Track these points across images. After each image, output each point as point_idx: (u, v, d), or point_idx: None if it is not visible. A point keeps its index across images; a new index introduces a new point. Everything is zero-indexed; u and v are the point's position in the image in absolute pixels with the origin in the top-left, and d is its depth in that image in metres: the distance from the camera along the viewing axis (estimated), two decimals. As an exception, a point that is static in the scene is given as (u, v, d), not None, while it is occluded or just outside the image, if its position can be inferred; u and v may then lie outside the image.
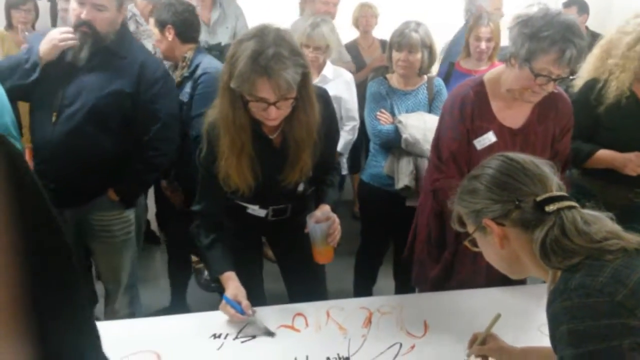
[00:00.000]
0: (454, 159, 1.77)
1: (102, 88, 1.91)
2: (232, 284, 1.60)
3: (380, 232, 2.66)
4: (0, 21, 3.49)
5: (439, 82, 2.57)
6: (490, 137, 1.72)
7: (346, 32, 3.74)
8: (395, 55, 2.43)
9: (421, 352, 1.47)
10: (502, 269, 1.11)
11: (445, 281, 1.86)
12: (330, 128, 1.68)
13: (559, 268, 0.96)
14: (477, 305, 1.63)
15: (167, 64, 2.37)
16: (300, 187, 1.72)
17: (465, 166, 1.75)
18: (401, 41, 2.40)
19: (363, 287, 2.76)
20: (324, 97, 1.66)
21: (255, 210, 1.74)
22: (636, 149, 1.99)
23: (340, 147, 2.56)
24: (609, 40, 2.10)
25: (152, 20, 2.37)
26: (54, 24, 3.67)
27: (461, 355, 1.42)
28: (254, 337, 1.52)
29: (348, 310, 1.64)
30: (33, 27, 3.53)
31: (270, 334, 1.53)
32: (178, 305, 2.80)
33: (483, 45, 2.82)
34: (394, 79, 2.52)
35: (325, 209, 1.67)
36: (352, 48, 3.76)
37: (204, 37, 2.99)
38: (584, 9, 4.01)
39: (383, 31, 3.64)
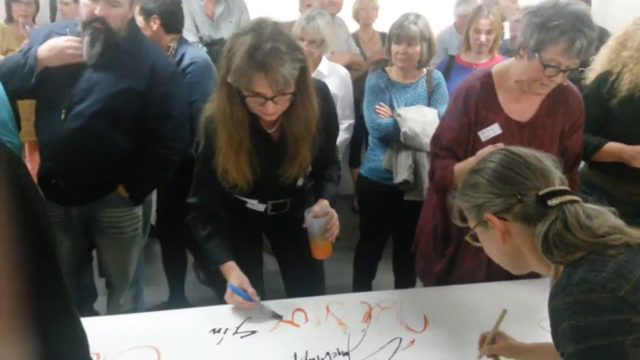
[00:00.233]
0: (451, 147, 1.76)
1: (113, 85, 1.88)
2: (235, 273, 1.61)
3: (379, 226, 2.65)
4: (1, 14, 3.47)
5: (438, 75, 2.55)
6: (495, 129, 1.71)
7: (347, 25, 3.72)
8: (394, 47, 2.42)
9: (421, 346, 1.46)
10: (504, 263, 1.11)
11: (449, 274, 1.86)
12: (329, 122, 1.67)
13: (561, 263, 0.95)
14: (477, 299, 1.63)
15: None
16: (300, 182, 1.71)
17: (463, 157, 1.74)
18: (400, 33, 2.39)
19: (362, 281, 2.76)
20: (323, 91, 1.65)
21: (254, 204, 1.73)
22: None
23: (336, 145, 2.54)
24: (624, 32, 2.08)
25: (137, 8, 2.37)
26: (53, 18, 3.64)
27: (461, 349, 1.42)
28: (253, 332, 1.52)
29: (348, 305, 1.63)
30: (33, 20, 3.52)
31: (277, 316, 1.56)
32: (177, 299, 2.80)
33: (483, 37, 2.80)
34: (393, 72, 2.50)
35: (323, 204, 1.67)
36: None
37: (207, 31, 2.97)
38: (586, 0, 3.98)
39: (383, 24, 3.61)
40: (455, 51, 3.24)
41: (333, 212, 1.64)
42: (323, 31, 2.54)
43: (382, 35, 3.75)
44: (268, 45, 1.35)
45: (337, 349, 1.45)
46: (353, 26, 3.87)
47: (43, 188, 2.00)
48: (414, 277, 2.70)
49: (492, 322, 1.32)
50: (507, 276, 1.39)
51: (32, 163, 3.35)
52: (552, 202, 0.97)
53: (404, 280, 2.71)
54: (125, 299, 2.26)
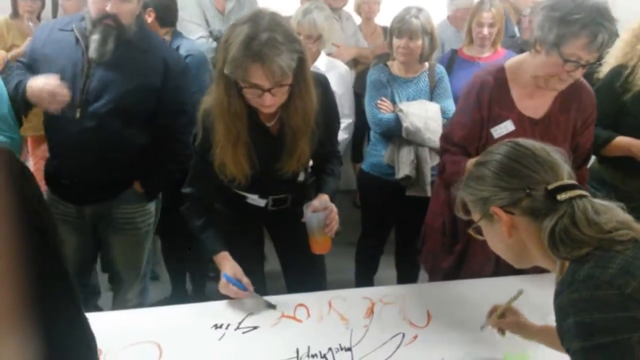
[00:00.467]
0: (462, 145, 1.73)
1: (127, 82, 1.87)
2: (228, 263, 1.60)
3: (380, 222, 2.64)
4: (6, 9, 3.49)
5: (441, 69, 2.53)
6: (508, 126, 1.68)
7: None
8: (396, 41, 2.40)
9: (424, 342, 1.46)
10: (507, 257, 1.09)
11: (458, 271, 1.84)
12: (329, 115, 1.65)
13: (567, 258, 0.94)
14: (481, 295, 1.62)
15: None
16: (301, 177, 1.70)
17: (475, 154, 1.71)
18: (401, 27, 2.37)
19: (364, 276, 2.76)
20: (323, 84, 1.63)
21: (254, 200, 1.72)
22: None
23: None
24: None
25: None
26: (55, 14, 3.64)
27: (464, 345, 1.41)
28: (255, 327, 1.51)
29: (350, 300, 1.63)
30: (38, 16, 3.54)
31: (272, 306, 1.56)
32: (179, 295, 2.81)
33: (485, 31, 2.77)
34: (394, 67, 2.49)
35: (323, 199, 1.65)
36: (354, 35, 3.72)
37: (217, 25, 2.96)
38: None
39: (386, 18, 3.59)
40: (451, 45, 3.22)
41: (333, 206, 1.62)
42: (320, 26, 2.45)
43: (385, 29, 3.72)
44: (265, 36, 1.33)
45: (340, 345, 1.44)
46: (355, 20, 3.85)
47: (55, 187, 2.00)
48: (417, 272, 2.70)
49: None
50: (515, 272, 1.38)
51: (35, 158, 3.35)
52: (562, 196, 0.95)
53: (406, 275, 2.71)
54: (133, 293, 2.26)
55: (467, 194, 1.08)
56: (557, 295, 0.91)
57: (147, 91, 1.91)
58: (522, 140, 1.06)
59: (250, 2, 3.28)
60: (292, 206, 1.75)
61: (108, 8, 1.80)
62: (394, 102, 2.45)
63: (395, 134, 2.40)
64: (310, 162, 1.79)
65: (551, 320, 0.95)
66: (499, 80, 1.71)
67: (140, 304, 2.29)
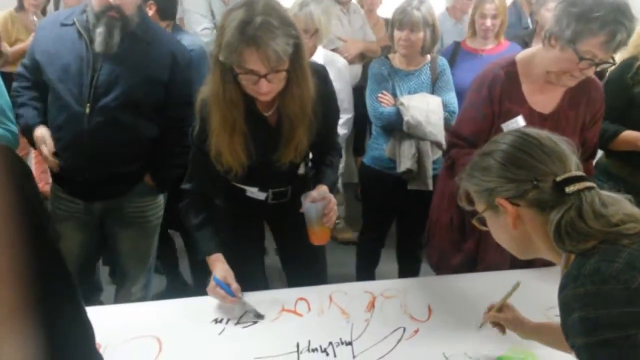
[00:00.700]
0: (470, 139, 1.71)
1: (136, 75, 1.85)
2: (220, 266, 1.57)
3: (381, 215, 2.63)
4: (12, 2, 3.50)
5: (443, 61, 2.51)
6: (519, 121, 1.65)
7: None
8: (397, 34, 2.38)
9: (425, 336, 1.45)
10: (511, 249, 1.07)
11: (472, 270, 1.81)
12: (328, 106, 1.63)
13: (573, 252, 0.92)
14: (482, 289, 1.61)
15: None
16: (301, 170, 1.68)
17: None
18: (402, 19, 2.34)
19: (365, 269, 2.75)
20: (322, 74, 1.61)
21: (254, 192, 1.71)
22: None
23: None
24: None
25: None
26: (56, 6, 3.63)
27: (465, 340, 1.40)
28: (255, 322, 1.50)
29: (351, 294, 1.62)
30: (44, 10, 3.54)
31: (259, 316, 1.52)
32: (176, 287, 2.80)
33: (488, 22, 2.75)
34: (396, 59, 2.46)
35: (322, 189, 1.63)
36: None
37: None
38: None
39: (388, 10, 3.56)
40: (451, 36, 3.20)
41: (331, 196, 1.60)
42: (317, 20, 2.38)
43: (387, 21, 3.69)
44: (259, 20, 1.30)
45: (340, 339, 1.43)
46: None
47: (64, 184, 1.99)
48: (418, 266, 2.69)
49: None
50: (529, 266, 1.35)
51: (37, 155, 3.35)
52: (570, 189, 0.93)
53: (407, 269, 2.70)
54: (137, 286, 2.26)
55: (472, 185, 1.06)
56: (562, 289, 0.90)
57: (155, 84, 1.90)
58: (528, 129, 1.04)
59: None
60: (292, 199, 1.74)
61: (112, 0, 1.77)
62: (395, 95, 2.43)
63: (397, 127, 2.38)
64: (310, 155, 1.77)
65: (552, 314, 0.94)
66: (510, 74, 1.68)
67: (144, 297, 2.28)
